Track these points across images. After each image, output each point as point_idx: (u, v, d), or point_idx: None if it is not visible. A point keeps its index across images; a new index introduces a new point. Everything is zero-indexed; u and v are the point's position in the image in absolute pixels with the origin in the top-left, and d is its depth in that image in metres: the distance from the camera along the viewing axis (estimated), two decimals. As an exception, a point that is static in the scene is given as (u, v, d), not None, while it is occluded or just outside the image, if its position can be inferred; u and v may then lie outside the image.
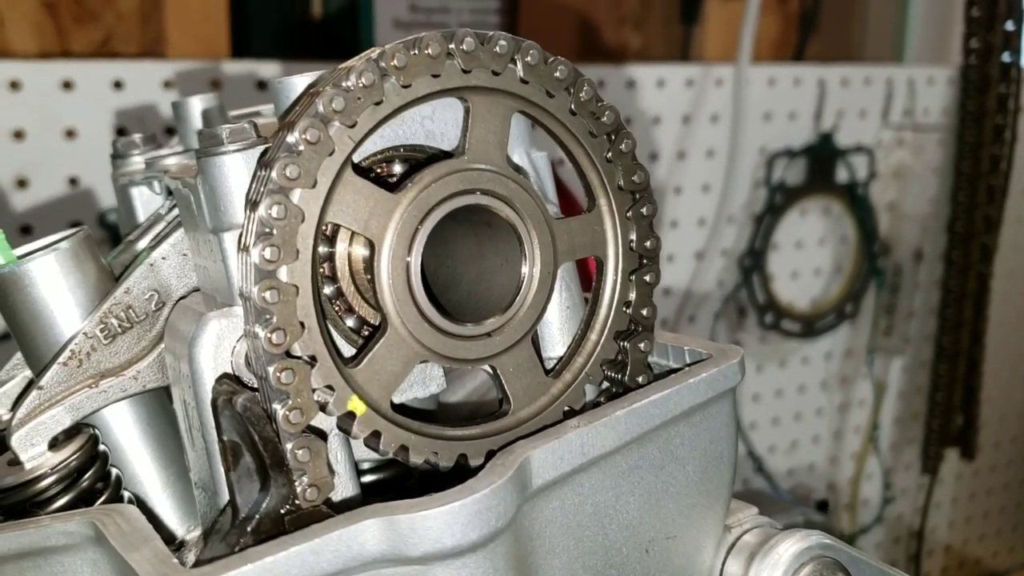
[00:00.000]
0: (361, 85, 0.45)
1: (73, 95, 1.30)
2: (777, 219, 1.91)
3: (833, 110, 1.93)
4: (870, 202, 2.00)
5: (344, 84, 0.45)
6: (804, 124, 1.91)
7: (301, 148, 0.44)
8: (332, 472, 0.47)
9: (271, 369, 0.44)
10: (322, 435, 0.47)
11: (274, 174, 0.44)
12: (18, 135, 1.28)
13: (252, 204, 0.44)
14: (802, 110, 1.91)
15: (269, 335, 0.44)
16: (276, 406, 0.44)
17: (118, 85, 1.32)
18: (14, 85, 1.27)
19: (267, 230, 0.44)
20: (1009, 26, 1.93)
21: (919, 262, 2.10)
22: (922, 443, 2.21)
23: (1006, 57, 1.96)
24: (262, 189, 0.44)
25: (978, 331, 2.11)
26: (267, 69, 1.40)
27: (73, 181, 1.31)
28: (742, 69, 1.75)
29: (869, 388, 2.15)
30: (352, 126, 0.45)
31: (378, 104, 0.46)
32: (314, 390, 0.45)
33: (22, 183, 1.28)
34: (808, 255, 2.00)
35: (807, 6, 2.04)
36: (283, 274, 0.44)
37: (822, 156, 1.93)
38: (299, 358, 0.45)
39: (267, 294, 0.44)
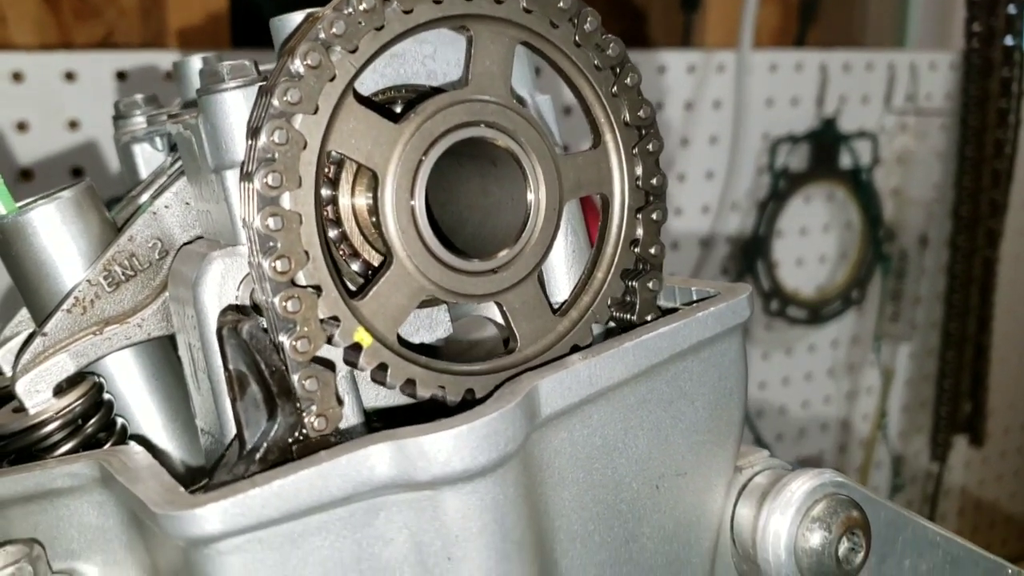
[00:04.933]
0: (362, 9, 0.45)
1: (75, 86, 1.30)
2: (781, 205, 1.90)
3: (835, 95, 1.93)
4: (874, 188, 2.00)
5: (345, 9, 0.45)
6: (807, 110, 1.91)
7: (302, 72, 0.44)
8: (340, 402, 0.46)
9: (276, 299, 0.44)
10: (330, 365, 0.46)
11: (275, 100, 0.43)
12: (21, 127, 1.28)
13: (253, 131, 0.44)
14: (804, 96, 1.90)
15: (274, 263, 0.43)
16: (283, 336, 0.44)
17: (120, 76, 1.32)
18: (16, 77, 1.27)
19: (269, 156, 0.43)
20: (1011, 9, 1.92)
21: (924, 247, 2.09)
22: (931, 430, 2.19)
23: (1008, 41, 1.95)
24: (263, 115, 0.44)
25: (985, 317, 2.10)
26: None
27: (76, 171, 1.31)
28: (744, 55, 1.75)
29: (876, 375, 2.14)
30: (353, 51, 0.45)
31: (379, 29, 0.45)
32: (320, 321, 0.45)
33: (26, 174, 1.29)
34: (813, 241, 1.99)
35: (807, -6, 2.04)
36: (286, 201, 0.44)
37: (825, 142, 1.92)
38: (304, 287, 0.45)
39: (270, 221, 0.43)
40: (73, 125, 1.31)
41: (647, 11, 2.02)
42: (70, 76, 1.30)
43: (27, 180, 1.29)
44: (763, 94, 1.85)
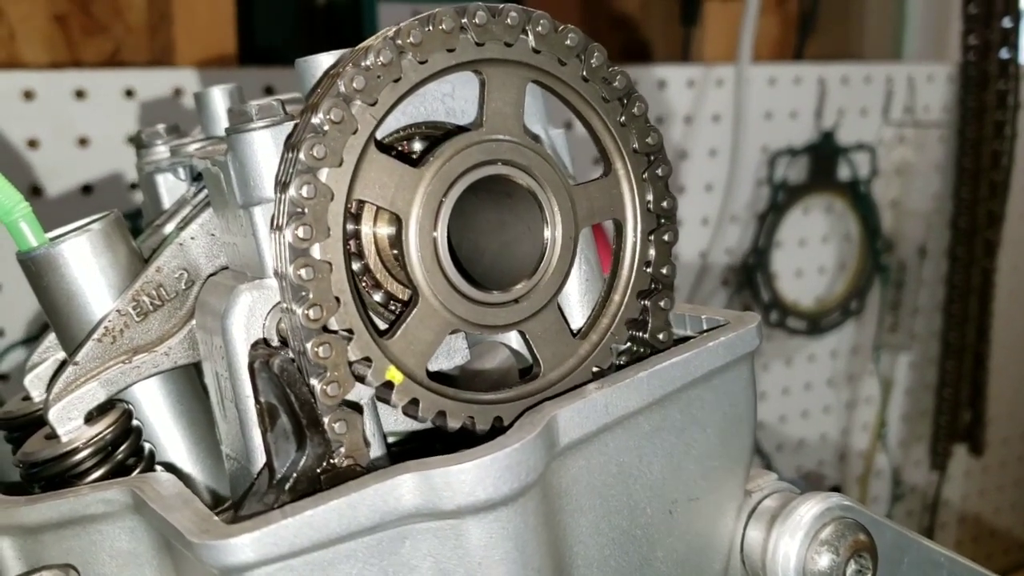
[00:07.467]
0: (380, 63, 0.46)
1: (86, 104, 1.32)
2: (780, 217, 1.92)
3: (834, 108, 1.95)
4: (873, 199, 2.02)
5: (363, 63, 0.46)
6: (805, 123, 1.93)
7: (326, 128, 0.45)
8: (368, 444, 0.48)
9: (309, 344, 0.45)
10: (358, 408, 0.48)
11: (302, 155, 0.45)
12: (32, 144, 1.29)
13: (282, 185, 0.46)
14: (803, 109, 1.92)
15: (306, 311, 0.45)
16: (314, 380, 0.46)
17: (129, 93, 1.34)
18: (28, 95, 1.29)
19: (299, 210, 0.45)
20: (1006, 23, 1.95)
21: (923, 258, 2.11)
22: (930, 440, 2.21)
23: (1004, 53, 1.97)
24: (291, 170, 0.45)
25: (984, 327, 2.11)
26: (274, 75, 1.42)
27: (87, 188, 1.33)
28: (742, 69, 1.77)
29: (876, 385, 2.16)
30: (373, 104, 0.47)
31: (397, 81, 0.47)
32: (352, 363, 0.47)
33: (36, 191, 1.30)
34: (812, 253, 2.01)
35: (806, 6, 2.06)
36: (316, 252, 0.46)
37: (824, 154, 1.94)
38: (335, 332, 0.46)
39: (302, 272, 0.45)
40: (83, 142, 1.32)
41: (646, 26, 2.04)
42: (80, 94, 1.31)
43: (37, 196, 1.30)
44: (762, 107, 1.87)
